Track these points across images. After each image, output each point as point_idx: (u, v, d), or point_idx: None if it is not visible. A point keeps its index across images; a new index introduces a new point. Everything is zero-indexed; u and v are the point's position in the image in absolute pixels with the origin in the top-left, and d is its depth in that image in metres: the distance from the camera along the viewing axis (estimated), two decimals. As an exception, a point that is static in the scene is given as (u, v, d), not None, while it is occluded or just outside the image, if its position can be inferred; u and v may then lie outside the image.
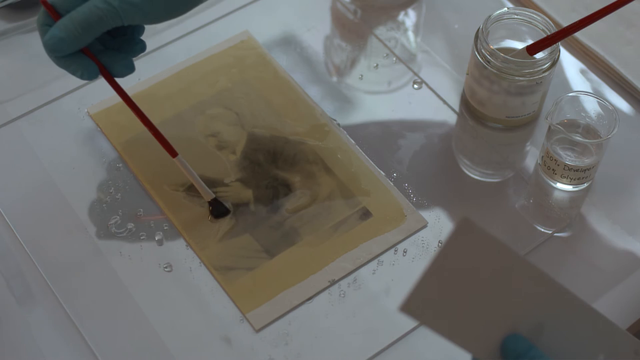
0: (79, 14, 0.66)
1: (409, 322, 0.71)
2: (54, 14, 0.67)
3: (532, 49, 0.78)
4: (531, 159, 0.82)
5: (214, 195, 0.76)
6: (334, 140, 0.82)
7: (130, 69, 0.71)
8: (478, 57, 0.79)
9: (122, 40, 0.71)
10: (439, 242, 0.76)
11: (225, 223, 0.76)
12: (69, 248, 0.75)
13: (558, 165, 0.77)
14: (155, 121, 0.82)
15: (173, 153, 0.74)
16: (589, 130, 0.79)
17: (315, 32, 0.91)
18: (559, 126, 0.76)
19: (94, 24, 0.66)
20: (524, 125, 0.84)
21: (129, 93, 0.84)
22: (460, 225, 0.51)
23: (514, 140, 0.84)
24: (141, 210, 0.77)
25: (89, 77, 0.69)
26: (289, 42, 0.90)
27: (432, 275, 0.52)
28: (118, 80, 0.72)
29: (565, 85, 0.88)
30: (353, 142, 0.82)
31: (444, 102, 0.86)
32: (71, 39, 0.66)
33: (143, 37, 0.86)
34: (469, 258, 0.53)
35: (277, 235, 0.76)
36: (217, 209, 0.76)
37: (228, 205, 0.77)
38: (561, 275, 0.74)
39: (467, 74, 0.83)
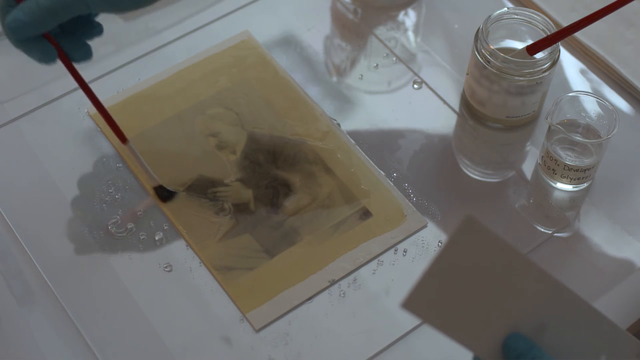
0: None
1: (409, 322, 0.71)
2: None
3: (532, 49, 0.78)
4: (531, 159, 0.82)
5: (159, 182, 0.76)
6: (334, 140, 0.82)
7: (89, 55, 0.70)
8: (478, 57, 0.79)
9: (78, 23, 0.70)
10: (439, 242, 0.76)
11: (225, 223, 0.76)
12: (69, 248, 0.75)
13: (558, 165, 0.77)
14: (155, 121, 0.82)
15: (123, 139, 0.74)
16: (589, 130, 0.79)
17: (315, 32, 0.91)
18: (559, 126, 0.76)
19: (60, 11, 0.65)
20: (524, 125, 0.84)
21: (129, 93, 0.84)
22: (464, 223, 0.51)
23: (514, 140, 0.84)
24: (141, 210, 0.77)
25: (47, 61, 0.68)
26: (289, 42, 0.90)
27: (434, 272, 0.52)
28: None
29: (565, 85, 0.88)
30: (353, 142, 0.82)
31: (444, 102, 0.86)
32: (35, 23, 0.65)
33: (144, 38, 0.86)
34: (472, 256, 0.53)
35: (277, 235, 0.76)
36: (162, 194, 0.77)
37: (172, 188, 0.77)
38: (561, 275, 0.74)
39: (467, 74, 0.83)
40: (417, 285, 0.52)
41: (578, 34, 0.88)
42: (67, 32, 0.70)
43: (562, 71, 0.89)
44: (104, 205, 0.77)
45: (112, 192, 0.78)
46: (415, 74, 0.88)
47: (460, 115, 0.85)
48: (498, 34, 0.83)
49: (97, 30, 0.70)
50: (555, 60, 0.79)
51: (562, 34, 0.77)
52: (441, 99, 0.86)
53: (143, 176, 0.77)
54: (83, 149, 0.81)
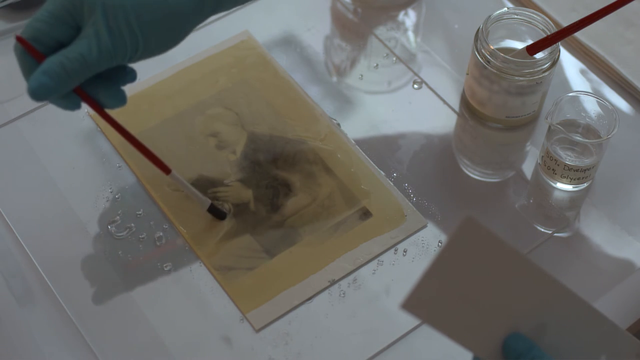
0: (70, 62, 0.61)
1: (409, 322, 0.71)
2: (38, 55, 0.62)
3: (532, 49, 0.78)
4: (531, 159, 0.82)
5: (210, 203, 0.75)
6: (334, 140, 0.82)
7: (122, 100, 0.67)
8: (478, 57, 0.79)
9: (111, 69, 0.66)
10: (439, 242, 0.76)
11: (225, 223, 0.76)
12: (69, 248, 0.75)
13: (558, 165, 0.77)
14: (155, 121, 0.82)
15: (167, 170, 0.72)
16: (589, 130, 0.79)
17: (315, 32, 0.91)
18: (559, 126, 0.76)
19: (86, 72, 0.62)
20: (524, 125, 0.84)
21: (129, 93, 0.84)
22: (464, 223, 0.51)
23: (514, 140, 0.84)
24: (141, 210, 0.77)
25: (72, 109, 0.65)
26: (289, 42, 0.90)
27: (434, 272, 0.52)
28: None
29: (565, 85, 0.88)
30: (353, 142, 0.82)
31: (444, 102, 0.86)
32: (62, 87, 0.62)
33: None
34: (472, 256, 0.53)
35: (277, 235, 0.76)
36: (218, 214, 0.76)
37: (225, 207, 0.77)
38: (561, 275, 0.74)
39: (467, 74, 0.83)
40: (416, 285, 0.52)
41: (578, 34, 0.88)
42: (99, 77, 0.65)
43: (562, 71, 0.89)
44: (104, 205, 0.77)
45: (112, 192, 0.78)
46: (415, 74, 0.88)
47: (460, 115, 0.85)
48: (498, 34, 0.83)
49: (130, 76, 0.68)
50: (555, 60, 0.79)
51: (562, 34, 0.77)
52: (441, 99, 0.86)
53: (193, 200, 0.75)
54: (83, 149, 0.81)
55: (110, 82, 0.66)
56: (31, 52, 0.63)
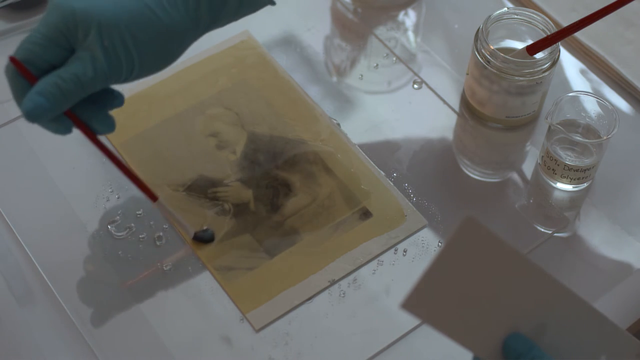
0: (65, 82, 0.61)
1: (409, 322, 0.71)
2: (30, 77, 0.62)
3: (532, 49, 0.78)
4: (531, 159, 0.82)
5: (194, 232, 0.75)
6: (334, 140, 0.82)
7: (111, 126, 0.66)
8: (478, 57, 0.79)
9: (99, 93, 0.65)
10: (439, 242, 0.76)
11: (225, 223, 0.76)
12: (69, 248, 0.75)
13: (558, 165, 0.77)
14: (155, 121, 0.82)
15: (153, 197, 0.71)
16: (589, 130, 0.79)
17: (315, 32, 0.91)
18: (559, 126, 0.76)
19: (80, 92, 0.62)
20: (524, 125, 0.84)
21: (130, 94, 0.84)
22: (464, 223, 0.51)
23: (514, 140, 0.84)
24: (141, 210, 0.77)
25: (63, 133, 0.65)
26: (289, 42, 0.90)
27: (434, 272, 0.52)
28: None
29: (565, 85, 0.88)
30: (353, 142, 0.82)
31: (444, 102, 0.86)
32: (57, 108, 0.62)
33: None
34: (472, 256, 0.53)
35: (277, 235, 0.76)
36: (203, 239, 0.75)
37: (210, 232, 0.76)
38: (561, 275, 0.74)
39: (467, 74, 0.83)
40: (416, 285, 0.52)
41: (578, 34, 0.88)
42: (88, 101, 0.65)
43: (562, 71, 0.89)
44: (103, 205, 0.77)
45: (112, 192, 0.78)
46: (415, 74, 0.88)
47: (460, 115, 0.85)
48: (498, 34, 0.83)
49: (118, 100, 0.67)
50: (555, 60, 0.79)
51: (562, 34, 0.77)
52: (441, 99, 0.86)
53: (178, 228, 0.75)
54: (83, 149, 0.81)
55: (97, 107, 0.65)
56: (24, 74, 0.62)
